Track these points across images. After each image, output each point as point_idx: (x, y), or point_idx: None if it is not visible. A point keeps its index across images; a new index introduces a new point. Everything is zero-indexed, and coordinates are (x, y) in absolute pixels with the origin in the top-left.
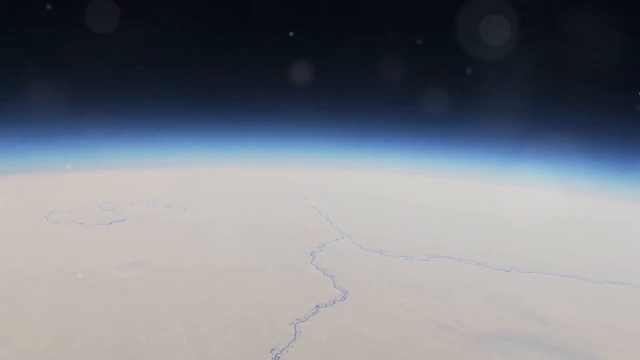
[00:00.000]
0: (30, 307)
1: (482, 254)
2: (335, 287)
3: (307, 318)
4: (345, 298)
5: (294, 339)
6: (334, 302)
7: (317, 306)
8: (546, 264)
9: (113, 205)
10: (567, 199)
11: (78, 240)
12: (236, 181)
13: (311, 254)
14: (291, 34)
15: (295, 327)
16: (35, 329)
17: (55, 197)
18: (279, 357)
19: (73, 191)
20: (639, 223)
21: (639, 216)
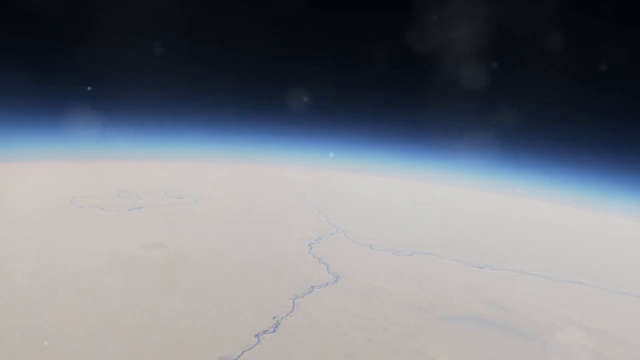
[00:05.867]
0: (81, 279)
1: (460, 252)
2: (329, 272)
3: (304, 295)
4: (337, 282)
5: (292, 311)
6: (327, 284)
7: (312, 287)
8: (516, 263)
9: (129, 194)
10: (544, 207)
11: (104, 223)
12: (242, 177)
13: (309, 245)
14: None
15: (293, 302)
16: (83, 294)
17: (73, 184)
18: (279, 322)
19: (90, 179)
20: (606, 232)
21: (607, 225)
